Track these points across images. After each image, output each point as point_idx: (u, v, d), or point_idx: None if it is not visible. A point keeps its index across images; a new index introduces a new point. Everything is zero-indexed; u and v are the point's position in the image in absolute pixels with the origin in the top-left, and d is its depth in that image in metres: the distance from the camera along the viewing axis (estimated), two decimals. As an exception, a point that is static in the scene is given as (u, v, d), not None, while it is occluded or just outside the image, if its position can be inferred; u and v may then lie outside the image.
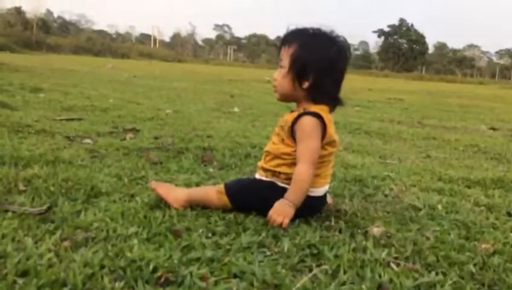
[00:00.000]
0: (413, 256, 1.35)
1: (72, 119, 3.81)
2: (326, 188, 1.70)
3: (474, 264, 1.33)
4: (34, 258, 1.08)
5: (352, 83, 18.27)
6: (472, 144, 3.98)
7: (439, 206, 1.94)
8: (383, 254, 1.33)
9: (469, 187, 2.42)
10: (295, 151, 1.58)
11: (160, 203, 1.60)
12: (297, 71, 1.58)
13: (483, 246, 1.49)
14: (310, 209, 1.64)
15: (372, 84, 17.06)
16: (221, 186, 1.64)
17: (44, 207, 1.38)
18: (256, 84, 11.03)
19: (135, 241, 1.25)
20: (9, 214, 1.38)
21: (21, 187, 1.66)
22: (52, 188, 1.67)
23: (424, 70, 56.42)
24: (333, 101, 1.64)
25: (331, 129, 1.61)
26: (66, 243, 1.17)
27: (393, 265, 1.28)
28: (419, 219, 1.74)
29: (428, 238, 1.51)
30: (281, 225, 1.48)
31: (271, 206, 1.53)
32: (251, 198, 1.60)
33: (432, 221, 1.75)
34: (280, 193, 1.57)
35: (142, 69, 15.14)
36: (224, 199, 1.60)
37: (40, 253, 1.10)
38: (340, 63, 1.62)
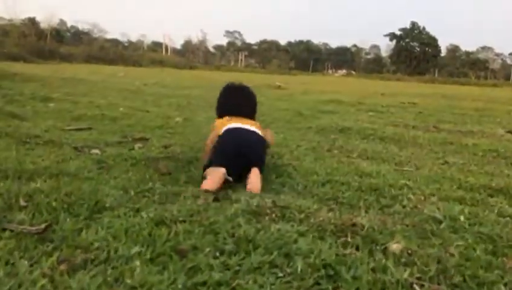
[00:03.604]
0: (438, 276, 1.25)
1: (81, 129, 3.77)
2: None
3: (505, 284, 1.23)
4: (25, 285, 1.00)
5: (364, 87, 18.08)
6: (491, 148, 3.83)
7: (462, 218, 1.83)
8: (405, 274, 1.23)
9: (491, 196, 2.30)
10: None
11: (166, 219, 1.52)
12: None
13: (513, 262, 1.38)
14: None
15: (385, 88, 16.85)
16: None
17: (43, 226, 1.31)
18: (267, 90, 10.93)
19: (137, 262, 1.16)
20: (7, 233, 1.31)
21: (22, 203, 1.59)
22: (54, 204, 1.60)
23: (437, 73, 55.75)
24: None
25: (219, 123, 2.69)
26: (63, 267, 1.10)
27: (416, 287, 1.18)
28: (441, 233, 1.64)
29: (452, 255, 1.40)
30: None
31: None
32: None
33: (455, 234, 1.64)
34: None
35: (153, 77, 15.15)
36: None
37: (33, 279, 1.03)
38: (221, 95, 2.93)
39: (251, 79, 16.94)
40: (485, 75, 61.11)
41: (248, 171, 2.28)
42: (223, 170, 2.16)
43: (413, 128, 5.21)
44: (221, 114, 2.81)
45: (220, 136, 2.52)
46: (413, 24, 63.32)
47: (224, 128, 2.55)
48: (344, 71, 62.09)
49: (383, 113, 6.86)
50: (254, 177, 2.23)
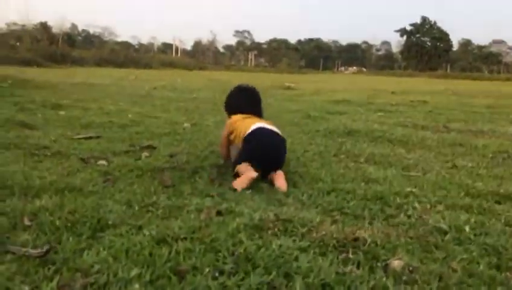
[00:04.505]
0: (439, 294, 1.24)
1: (90, 138, 3.80)
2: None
3: (507, 303, 1.21)
4: (24, 313, 1.02)
5: (375, 84, 17.95)
6: (501, 150, 3.79)
7: (467, 228, 1.81)
8: (405, 293, 1.22)
9: (499, 203, 2.27)
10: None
11: (167, 237, 1.53)
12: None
13: (517, 277, 1.37)
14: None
15: (395, 86, 16.72)
16: None
17: (44, 249, 1.33)
18: (276, 91, 10.93)
19: (136, 285, 1.17)
20: (9, 257, 1.33)
21: (26, 222, 1.61)
22: (57, 223, 1.61)
23: (449, 68, 55.11)
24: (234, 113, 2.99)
25: (237, 119, 2.88)
26: (62, 293, 1.11)
27: (416, 307, 1.17)
28: (445, 245, 1.63)
29: (455, 271, 1.39)
30: None
31: None
32: None
33: (459, 246, 1.63)
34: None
35: (163, 79, 15.21)
36: None
37: (32, 308, 1.04)
38: (232, 96, 3.15)
39: (261, 79, 16.93)
40: (498, 69, 60.24)
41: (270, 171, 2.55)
42: (255, 174, 2.40)
43: (422, 128, 5.16)
44: (233, 112, 3.00)
45: (249, 135, 2.67)
46: (424, 19, 62.78)
47: (253, 126, 2.71)
48: (355, 68, 61.74)
49: (392, 113, 6.81)
50: (281, 180, 2.47)
